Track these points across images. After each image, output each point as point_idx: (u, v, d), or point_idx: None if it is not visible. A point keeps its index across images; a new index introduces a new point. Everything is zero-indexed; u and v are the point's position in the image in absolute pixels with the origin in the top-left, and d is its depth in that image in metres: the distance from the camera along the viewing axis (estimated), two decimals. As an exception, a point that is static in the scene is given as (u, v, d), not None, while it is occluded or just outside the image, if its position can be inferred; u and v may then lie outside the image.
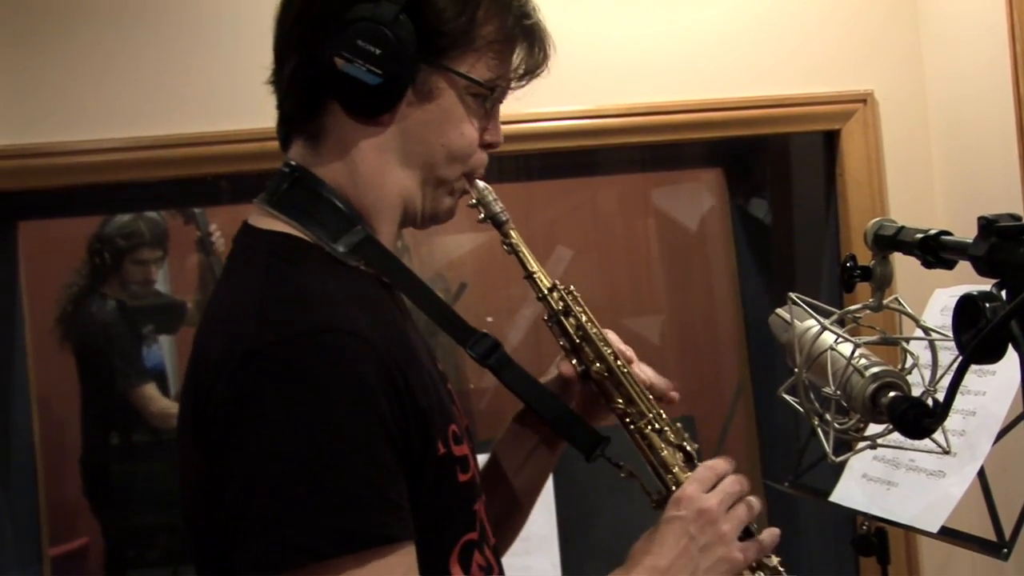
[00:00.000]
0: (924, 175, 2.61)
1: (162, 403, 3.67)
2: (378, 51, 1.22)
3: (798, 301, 1.38)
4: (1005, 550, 1.52)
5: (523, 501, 1.55)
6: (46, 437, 2.84)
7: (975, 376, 1.66)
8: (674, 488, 1.39)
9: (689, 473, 1.40)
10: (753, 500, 1.38)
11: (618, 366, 1.46)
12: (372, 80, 1.23)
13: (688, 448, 1.44)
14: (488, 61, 1.30)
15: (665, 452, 1.43)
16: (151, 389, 3.66)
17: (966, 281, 1.60)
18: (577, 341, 1.46)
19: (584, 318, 1.47)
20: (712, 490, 1.35)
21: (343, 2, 1.25)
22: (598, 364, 1.45)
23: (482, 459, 1.56)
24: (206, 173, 2.54)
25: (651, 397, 1.47)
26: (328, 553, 1.08)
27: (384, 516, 1.11)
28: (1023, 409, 1.63)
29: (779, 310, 1.44)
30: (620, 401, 1.45)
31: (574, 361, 1.47)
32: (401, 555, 1.12)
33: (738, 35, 2.60)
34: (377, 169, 1.29)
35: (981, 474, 1.60)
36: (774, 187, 3.02)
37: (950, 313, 1.77)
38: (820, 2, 2.62)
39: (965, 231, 1.21)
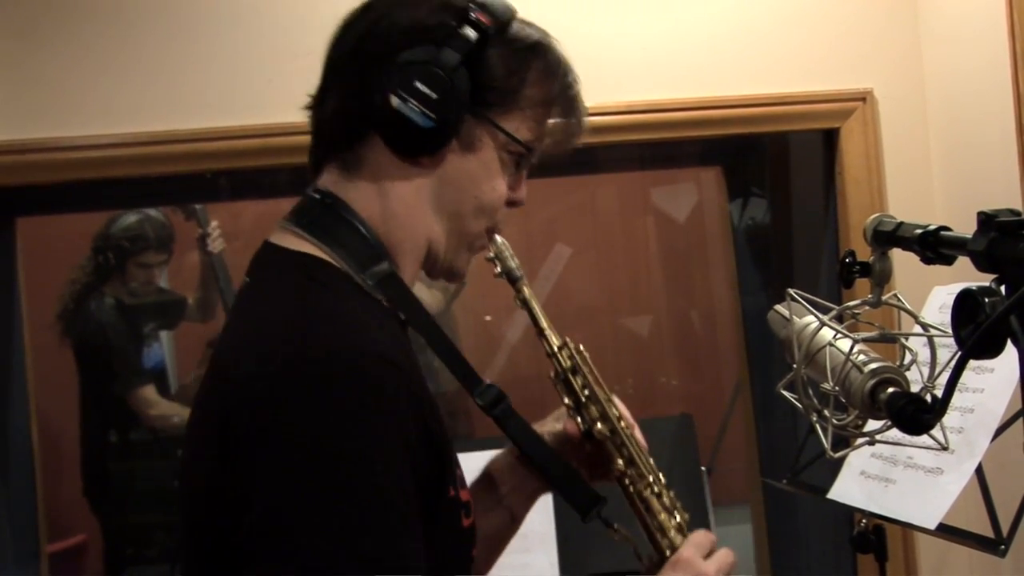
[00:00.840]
0: (923, 173, 2.61)
1: (162, 406, 3.66)
2: (434, 95, 1.23)
3: (797, 297, 1.38)
4: (1003, 547, 1.52)
5: (496, 540, 1.54)
6: (44, 434, 2.83)
7: (973, 373, 1.66)
8: (668, 553, 1.41)
9: (683, 539, 1.42)
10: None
11: (622, 428, 1.47)
12: (424, 122, 1.24)
13: (679, 517, 1.45)
14: (529, 123, 1.31)
15: (662, 516, 1.44)
16: (150, 391, 3.65)
17: (965, 278, 1.60)
18: (583, 400, 1.47)
19: (591, 378, 1.48)
20: (710, 557, 1.38)
21: (406, 41, 1.26)
22: (601, 424, 1.46)
23: (479, 456, 1.56)
24: (205, 169, 2.53)
25: (651, 461, 1.47)
26: None
27: (405, 546, 1.12)
28: (1021, 406, 1.64)
29: (778, 306, 1.44)
30: (621, 462, 1.45)
31: (578, 419, 1.47)
32: None
33: (738, 33, 2.60)
34: (411, 209, 1.29)
35: (979, 471, 1.60)
36: (773, 185, 3.02)
37: (949, 310, 1.78)
38: (820, 1, 2.62)
39: (964, 229, 1.21)
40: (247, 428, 1.13)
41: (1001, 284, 1.05)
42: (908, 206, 2.55)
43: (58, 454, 3.53)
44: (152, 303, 3.74)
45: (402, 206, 1.29)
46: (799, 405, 1.33)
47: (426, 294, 3.47)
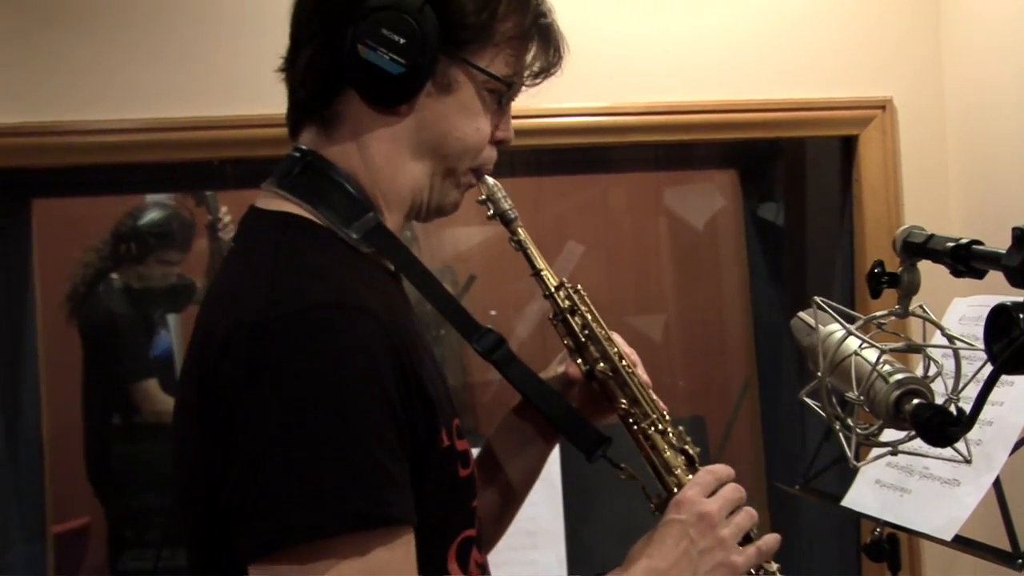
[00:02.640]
0: (940, 184, 2.61)
1: (162, 403, 3.60)
2: (402, 41, 1.22)
3: (823, 305, 1.39)
4: (1020, 560, 1.52)
5: (513, 494, 1.55)
6: (53, 415, 2.84)
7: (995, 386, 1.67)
8: (675, 491, 1.40)
9: (691, 476, 1.41)
10: (751, 509, 1.39)
11: (623, 366, 1.46)
12: (395, 69, 1.23)
13: (690, 451, 1.45)
14: (506, 57, 1.31)
15: (668, 454, 1.43)
16: (153, 385, 3.61)
17: (982, 291, 1.61)
18: (582, 340, 1.47)
19: (590, 317, 1.47)
20: (713, 495, 1.36)
21: None
22: (602, 363, 1.46)
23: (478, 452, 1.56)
24: (225, 157, 2.53)
25: (655, 398, 1.47)
26: (332, 531, 1.07)
27: (390, 497, 1.11)
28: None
29: (802, 313, 1.45)
30: (624, 401, 1.45)
31: (579, 360, 1.47)
32: (403, 538, 1.12)
33: (758, 37, 2.60)
34: (391, 158, 1.29)
35: (996, 484, 1.61)
36: (789, 191, 3.02)
37: (968, 322, 1.79)
38: (842, 7, 2.62)
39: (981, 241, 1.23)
40: (223, 388, 1.12)
41: (1035, 301, 1.05)
42: (925, 216, 2.55)
43: (67, 436, 3.51)
44: (162, 287, 3.72)
45: (383, 157, 1.28)
46: (822, 413, 1.34)
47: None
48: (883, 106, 2.59)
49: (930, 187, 2.62)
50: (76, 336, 3.56)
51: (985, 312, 1.08)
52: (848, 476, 1.86)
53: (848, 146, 2.65)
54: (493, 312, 3.64)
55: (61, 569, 2.97)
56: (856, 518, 2.27)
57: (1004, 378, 1.63)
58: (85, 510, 3.62)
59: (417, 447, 1.17)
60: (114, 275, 3.60)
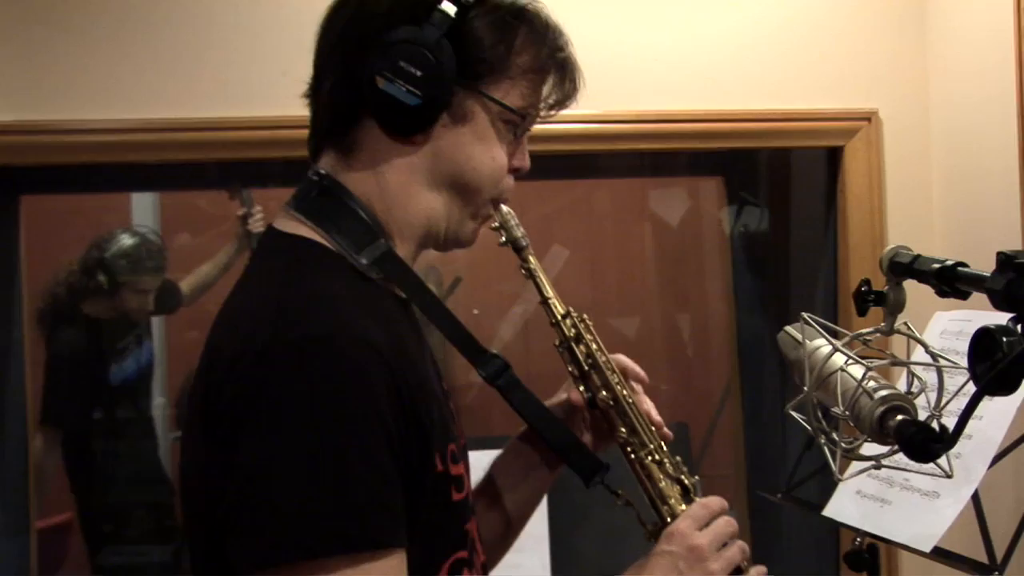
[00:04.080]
0: (924, 197, 2.64)
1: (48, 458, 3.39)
2: (419, 73, 1.25)
3: (810, 321, 1.41)
4: (996, 572, 1.55)
5: (516, 518, 1.58)
6: (39, 410, 2.84)
7: (974, 401, 1.70)
8: (669, 520, 1.42)
9: (685, 507, 1.43)
10: (743, 543, 1.41)
11: (624, 396, 1.49)
12: (411, 101, 1.26)
13: (686, 482, 1.47)
14: (521, 89, 1.32)
15: (663, 484, 1.45)
16: (52, 435, 3.38)
17: (963, 306, 1.64)
18: (586, 369, 1.49)
19: (595, 346, 1.50)
20: (705, 528, 1.39)
21: (387, 23, 1.27)
22: (604, 392, 1.49)
23: (472, 455, 1.57)
24: (214, 158, 2.54)
25: (654, 428, 1.49)
26: (322, 552, 1.09)
27: (380, 521, 1.13)
28: (1021, 435, 1.67)
29: (789, 328, 1.47)
30: (623, 430, 1.48)
31: (581, 388, 1.50)
32: (393, 562, 1.14)
33: (746, 48, 2.62)
34: (405, 187, 1.31)
35: (975, 497, 1.63)
36: (774, 200, 3.05)
37: (949, 336, 1.82)
38: (830, 20, 2.65)
39: (962, 255, 1.26)
40: (225, 411, 1.15)
41: (1018, 323, 1.08)
42: (907, 229, 2.58)
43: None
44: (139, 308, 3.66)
45: (398, 185, 1.31)
46: (808, 427, 1.37)
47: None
48: (869, 118, 2.62)
49: (914, 198, 2.64)
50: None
51: (966, 327, 1.11)
52: (829, 485, 1.89)
53: (833, 157, 2.68)
54: (476, 311, 3.66)
55: (45, 564, 2.97)
56: (836, 527, 2.30)
57: (984, 394, 1.68)
58: (69, 506, 3.62)
59: (410, 471, 1.19)
60: (82, 306, 3.54)
